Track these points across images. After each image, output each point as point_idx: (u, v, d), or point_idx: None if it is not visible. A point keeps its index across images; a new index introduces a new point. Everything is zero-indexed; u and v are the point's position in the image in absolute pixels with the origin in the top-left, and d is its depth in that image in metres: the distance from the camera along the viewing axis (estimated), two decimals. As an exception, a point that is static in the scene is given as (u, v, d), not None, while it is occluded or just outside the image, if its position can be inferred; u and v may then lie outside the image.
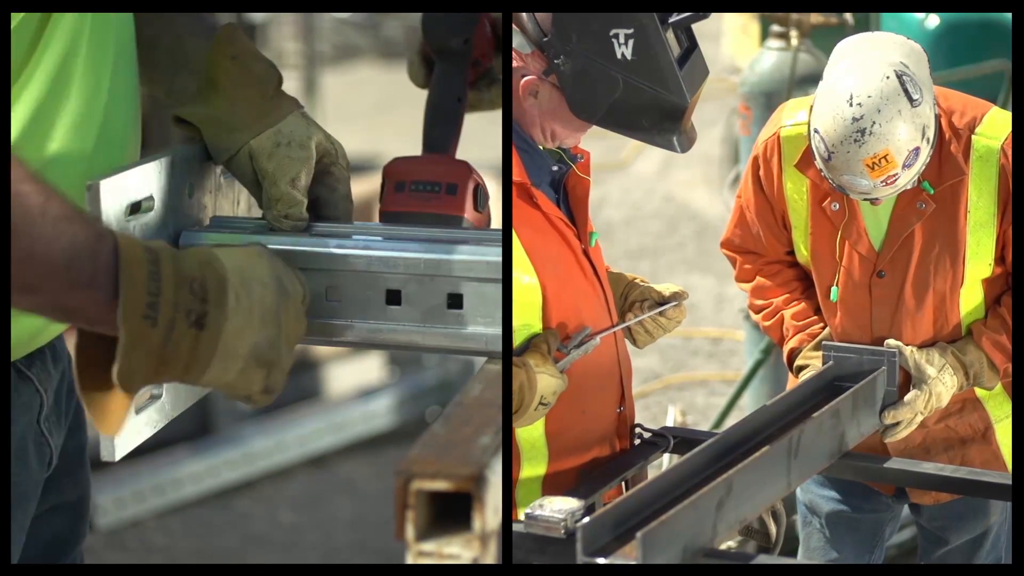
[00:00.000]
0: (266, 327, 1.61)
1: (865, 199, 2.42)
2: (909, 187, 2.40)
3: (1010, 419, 2.60)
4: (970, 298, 2.51)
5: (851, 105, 2.31)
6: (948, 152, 2.44)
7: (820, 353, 2.55)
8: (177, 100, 1.92)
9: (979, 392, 2.57)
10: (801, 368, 2.58)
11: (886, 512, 2.73)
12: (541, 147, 2.22)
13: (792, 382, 2.64)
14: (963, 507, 2.67)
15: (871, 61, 2.34)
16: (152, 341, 1.54)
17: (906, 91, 2.31)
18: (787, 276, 2.64)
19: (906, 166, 2.34)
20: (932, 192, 2.44)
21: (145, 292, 1.53)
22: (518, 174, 2.16)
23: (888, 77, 2.31)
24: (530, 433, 2.24)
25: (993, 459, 2.60)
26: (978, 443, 2.60)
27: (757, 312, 2.68)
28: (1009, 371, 2.52)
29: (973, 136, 2.44)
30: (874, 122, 2.30)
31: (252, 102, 1.86)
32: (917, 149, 2.34)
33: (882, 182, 2.34)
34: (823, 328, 2.60)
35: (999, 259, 2.49)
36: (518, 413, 2.17)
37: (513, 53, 2.16)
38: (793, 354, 2.61)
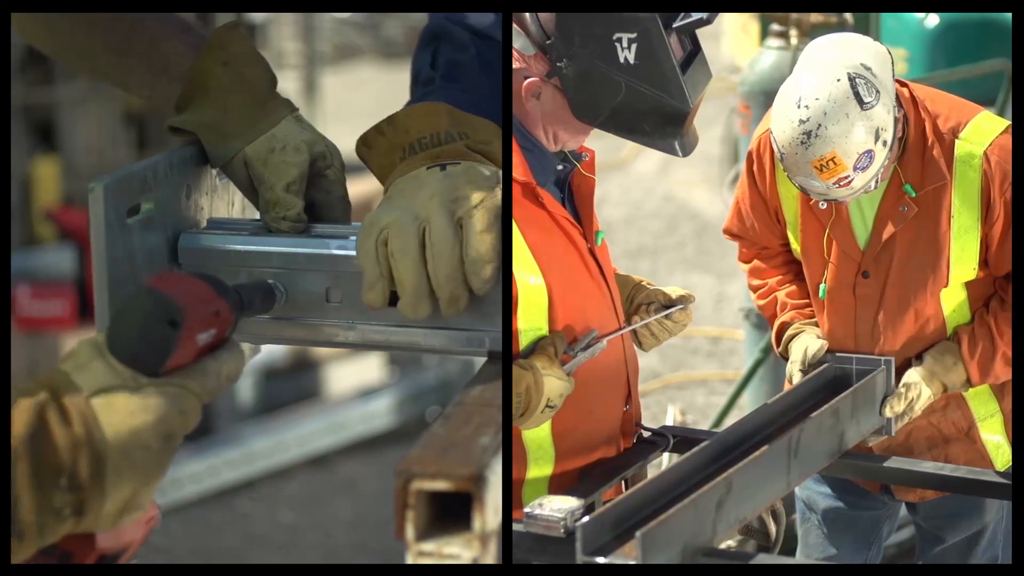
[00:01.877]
0: (147, 483, 1.47)
1: (826, 199, 2.42)
2: (872, 188, 2.39)
3: (994, 417, 2.60)
4: (951, 299, 2.51)
5: (799, 108, 2.31)
6: (931, 156, 2.43)
7: (813, 323, 2.57)
8: (161, 106, 1.91)
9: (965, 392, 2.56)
10: (793, 337, 2.58)
11: (883, 509, 2.74)
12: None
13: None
14: (959, 505, 2.67)
15: (827, 63, 2.33)
16: (24, 551, 1.40)
17: (857, 94, 2.30)
18: (782, 260, 2.66)
19: (858, 168, 2.33)
20: (914, 195, 2.45)
21: None
22: (523, 173, 2.15)
23: (839, 80, 2.30)
24: (536, 434, 2.23)
25: (978, 458, 2.60)
26: (961, 441, 2.60)
27: (754, 292, 2.71)
28: (997, 374, 2.53)
29: (956, 141, 2.43)
30: (820, 124, 2.30)
31: (245, 108, 1.85)
32: (870, 152, 2.32)
33: (835, 184, 2.34)
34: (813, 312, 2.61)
35: (983, 262, 2.49)
36: (524, 415, 2.16)
37: (515, 54, 2.16)
38: (784, 327, 2.61)
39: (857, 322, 2.53)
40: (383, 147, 1.82)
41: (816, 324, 2.60)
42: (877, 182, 2.38)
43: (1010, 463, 2.62)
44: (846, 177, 2.33)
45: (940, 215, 2.45)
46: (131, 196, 1.74)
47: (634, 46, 2.08)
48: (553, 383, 2.15)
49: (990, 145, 2.42)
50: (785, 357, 2.62)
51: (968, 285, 2.50)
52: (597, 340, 2.22)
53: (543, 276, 2.16)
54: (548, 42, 2.12)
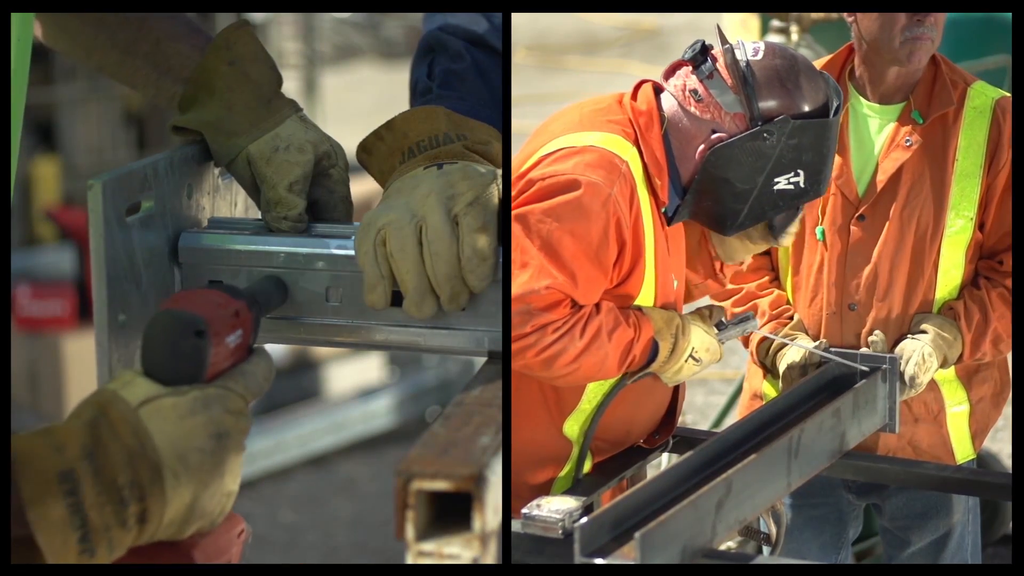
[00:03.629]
0: (207, 485, 1.47)
1: (909, 35, 2.44)
2: (936, 43, 2.44)
3: (962, 408, 2.60)
4: (948, 263, 2.50)
5: None
6: (941, 85, 2.47)
7: (799, 330, 2.56)
8: (166, 105, 1.91)
9: (935, 375, 2.56)
10: (782, 346, 2.56)
11: (848, 509, 2.72)
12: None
13: (754, 374, 2.64)
14: (925, 504, 2.67)
15: None
16: (98, 557, 1.40)
17: None
18: (757, 263, 2.62)
19: None
20: (921, 123, 2.46)
21: (70, 529, 1.38)
22: (664, 196, 2.22)
23: None
24: (576, 438, 2.29)
25: (941, 444, 2.59)
26: (929, 423, 2.59)
27: (725, 298, 2.64)
28: (984, 351, 2.52)
29: (969, 88, 2.49)
30: None
31: (249, 107, 1.85)
32: None
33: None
34: (793, 316, 2.59)
35: (979, 224, 2.49)
36: (671, 358, 2.24)
37: (709, 99, 2.20)
38: (765, 341, 2.60)
39: (847, 269, 2.52)
40: (382, 152, 1.83)
41: (803, 329, 2.57)
42: (937, 42, 2.46)
43: (968, 458, 2.62)
44: None
45: (947, 156, 2.47)
46: (130, 194, 1.74)
47: (800, 179, 2.22)
48: (700, 335, 2.26)
49: (1001, 97, 2.48)
50: (764, 366, 2.61)
51: (969, 251, 2.50)
52: (750, 320, 2.35)
53: (655, 291, 2.24)
54: (762, 125, 2.18)
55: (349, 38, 13.17)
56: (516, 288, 2.11)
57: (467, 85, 2.03)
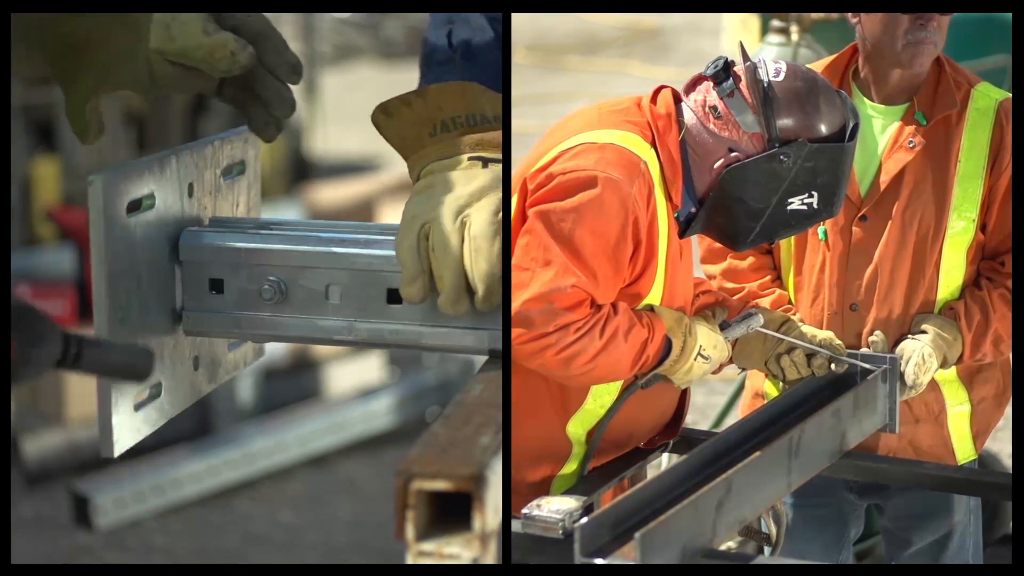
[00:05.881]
0: None
1: (912, 38, 2.44)
2: (938, 48, 2.44)
3: (963, 408, 2.60)
4: (950, 264, 2.50)
5: None
6: (945, 87, 2.48)
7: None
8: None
9: (936, 375, 2.56)
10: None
11: (849, 509, 2.73)
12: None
13: (756, 373, 2.64)
14: (926, 505, 2.67)
15: None
16: None
17: None
18: (759, 263, 2.63)
19: None
20: (925, 124, 2.47)
21: None
22: (679, 199, 2.24)
23: None
24: (578, 437, 2.30)
25: (942, 445, 2.59)
26: (930, 424, 2.59)
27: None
28: (984, 351, 2.52)
29: (973, 90, 2.49)
30: None
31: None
32: None
33: None
34: (795, 313, 2.59)
35: (981, 225, 2.50)
36: (681, 358, 2.27)
37: (729, 117, 2.21)
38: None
39: (849, 270, 2.52)
40: (409, 118, 1.81)
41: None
42: (940, 45, 2.45)
43: (970, 458, 2.62)
44: None
45: (949, 157, 2.47)
46: (131, 191, 1.74)
47: (815, 200, 2.25)
48: (706, 332, 2.29)
49: (1005, 99, 2.48)
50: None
51: (970, 252, 2.50)
52: (754, 316, 2.37)
53: (662, 290, 2.25)
54: (780, 146, 2.20)
55: (349, 38, 13.18)
56: (540, 286, 2.12)
57: (488, 57, 2.01)
